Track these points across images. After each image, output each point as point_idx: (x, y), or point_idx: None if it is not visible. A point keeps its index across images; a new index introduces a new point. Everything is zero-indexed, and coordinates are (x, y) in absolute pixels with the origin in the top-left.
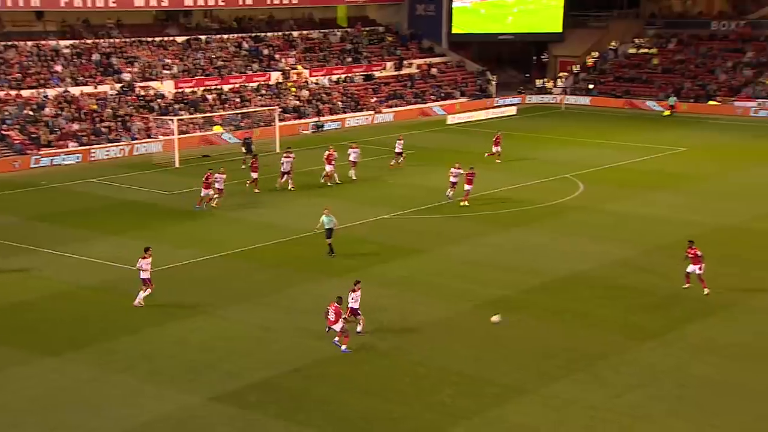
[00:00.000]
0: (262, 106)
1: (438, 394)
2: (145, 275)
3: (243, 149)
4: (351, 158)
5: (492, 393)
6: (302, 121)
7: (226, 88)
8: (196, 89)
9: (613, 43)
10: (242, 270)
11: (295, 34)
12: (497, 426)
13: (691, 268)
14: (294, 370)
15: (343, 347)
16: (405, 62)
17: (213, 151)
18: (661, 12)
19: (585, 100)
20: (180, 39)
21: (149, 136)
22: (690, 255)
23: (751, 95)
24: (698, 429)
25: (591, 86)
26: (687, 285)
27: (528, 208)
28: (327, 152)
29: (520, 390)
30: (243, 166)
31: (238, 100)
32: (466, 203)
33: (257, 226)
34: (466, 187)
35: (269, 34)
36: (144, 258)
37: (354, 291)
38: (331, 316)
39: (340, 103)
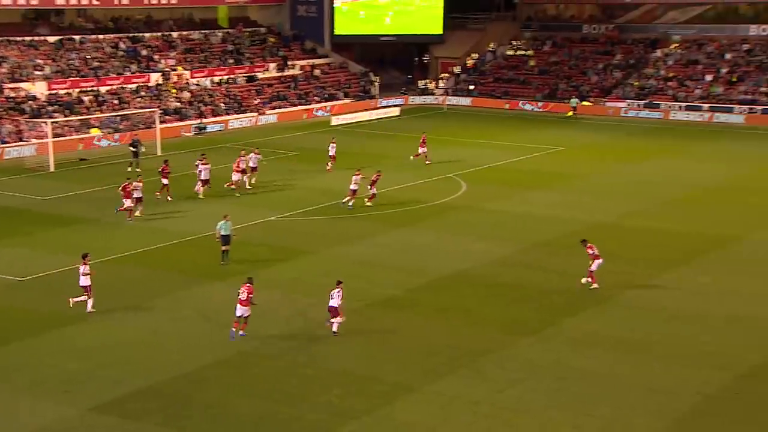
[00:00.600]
0: (141, 108)
1: (326, 394)
2: (85, 282)
3: (131, 150)
4: (251, 164)
5: (380, 391)
6: (184, 123)
7: (103, 89)
8: (70, 91)
9: (491, 45)
10: (126, 275)
11: (175, 34)
12: (385, 424)
13: (594, 266)
14: (179, 375)
15: (241, 332)
16: (288, 63)
17: (91, 155)
18: (536, 15)
19: (466, 101)
20: (52, 39)
21: (21, 140)
22: (590, 253)
23: (621, 96)
24: (575, 419)
25: (471, 87)
26: (594, 285)
27: (413, 208)
28: (238, 158)
29: (407, 388)
30: (129, 169)
31: (116, 101)
32: (370, 203)
33: (142, 230)
34: (372, 190)
35: (147, 34)
36: (84, 264)
37: (336, 289)
38: (243, 296)
39: (222, 104)
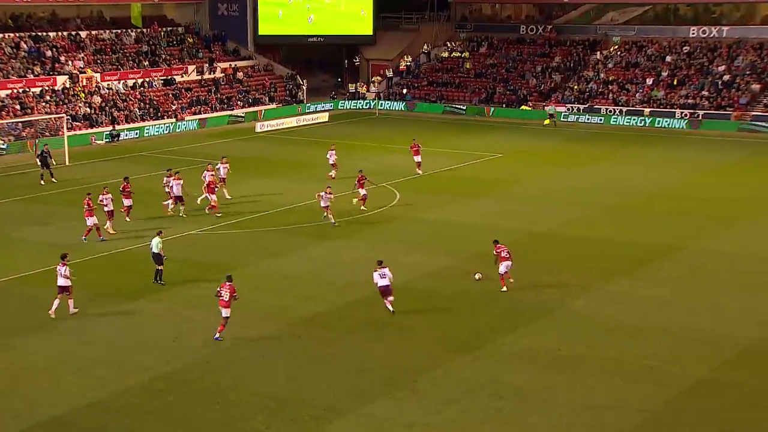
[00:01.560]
0: (47, 113)
1: (251, 420)
2: (63, 282)
3: (38, 162)
4: (221, 175)
5: (308, 415)
6: (95, 130)
7: (2, 93)
8: None
9: (425, 47)
10: (30, 296)
11: (83, 34)
12: None
13: (502, 268)
14: (90, 404)
15: (217, 335)
16: (212, 65)
17: None
18: (471, 15)
19: (400, 105)
20: None
21: None
22: (497, 252)
23: (561, 100)
24: None
25: (405, 91)
26: (504, 288)
27: (346, 219)
28: (206, 172)
29: (337, 411)
30: (41, 182)
31: (17, 107)
32: (364, 207)
33: (41, 247)
34: (362, 191)
35: (52, 33)
36: (62, 265)
37: (380, 269)
38: (225, 296)
39: (137, 109)
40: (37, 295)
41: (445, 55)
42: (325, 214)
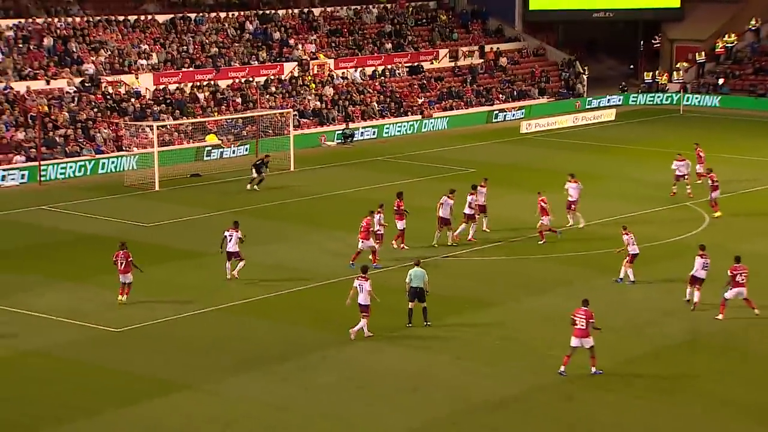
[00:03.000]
0: (271, 108)
1: None
2: (364, 300)
3: (253, 171)
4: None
5: None
6: (324, 128)
7: (222, 83)
8: (182, 85)
9: (753, 22)
10: (243, 328)
11: (317, 11)
12: None
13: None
14: None
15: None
16: (463, 50)
17: (206, 170)
18: None
19: (713, 101)
20: (161, 18)
21: (119, 148)
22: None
23: None
24: None
25: (721, 81)
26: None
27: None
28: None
29: None
30: (248, 187)
31: (239, 100)
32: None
33: (266, 268)
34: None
35: (281, 11)
36: (365, 279)
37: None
38: (581, 323)
39: (376, 104)
40: (259, 329)
41: None
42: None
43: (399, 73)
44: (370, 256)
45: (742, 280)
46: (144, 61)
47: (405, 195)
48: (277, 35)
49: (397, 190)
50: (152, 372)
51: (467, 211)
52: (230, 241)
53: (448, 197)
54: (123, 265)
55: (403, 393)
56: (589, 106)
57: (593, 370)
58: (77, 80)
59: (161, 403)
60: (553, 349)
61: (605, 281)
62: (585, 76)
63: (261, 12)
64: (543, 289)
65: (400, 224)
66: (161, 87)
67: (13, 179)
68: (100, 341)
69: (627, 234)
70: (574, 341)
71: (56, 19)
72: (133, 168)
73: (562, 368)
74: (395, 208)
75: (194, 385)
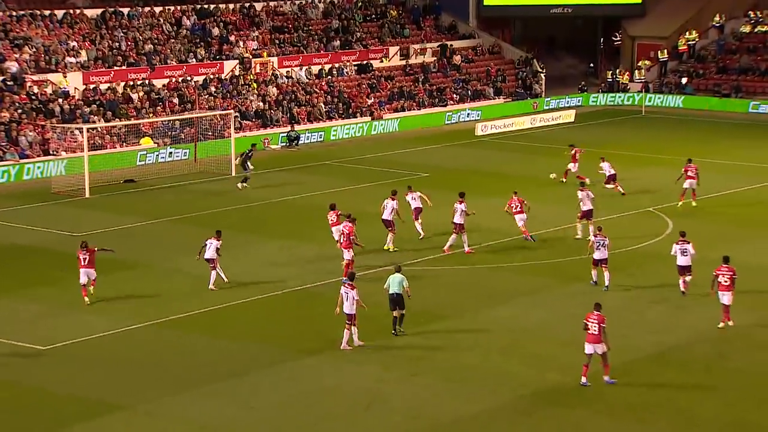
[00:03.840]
0: (210, 109)
1: None
2: (349, 309)
3: (238, 162)
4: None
5: None
6: (268, 131)
7: (158, 83)
8: (114, 84)
9: (717, 18)
10: (186, 344)
11: (259, 6)
12: None
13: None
14: None
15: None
16: (415, 48)
17: (140, 175)
18: None
19: (676, 101)
20: (91, 12)
21: (46, 152)
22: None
23: None
24: None
25: (684, 81)
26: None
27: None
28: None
29: None
30: (240, 186)
31: (176, 100)
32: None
33: (199, 279)
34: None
35: (221, 5)
36: (351, 288)
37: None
38: (594, 329)
39: (322, 105)
40: (199, 345)
41: (747, 29)
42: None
43: (347, 72)
44: (342, 263)
45: (726, 281)
46: (72, 59)
47: (354, 200)
48: (216, 31)
49: (332, 198)
50: (82, 392)
51: (457, 220)
52: (209, 248)
53: (392, 198)
54: (87, 261)
55: (354, 411)
56: (547, 107)
57: (606, 378)
58: None
59: (91, 427)
60: (510, 362)
61: (573, 289)
62: (543, 75)
63: (199, 6)
64: (505, 299)
65: (347, 255)
66: (91, 86)
67: None
68: (24, 359)
69: (597, 236)
70: (588, 348)
71: None
72: (62, 173)
73: (584, 379)
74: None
75: (128, 406)
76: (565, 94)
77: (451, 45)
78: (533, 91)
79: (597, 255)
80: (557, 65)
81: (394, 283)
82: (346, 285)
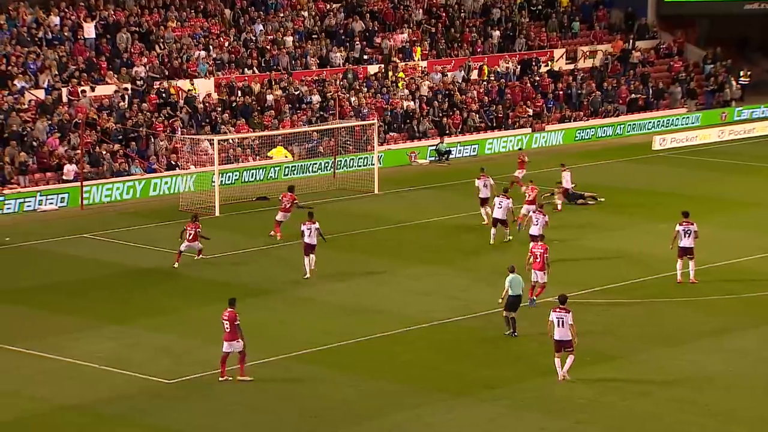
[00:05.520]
0: (353, 109)
1: None
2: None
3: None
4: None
5: None
6: (415, 143)
7: (294, 88)
8: (251, 85)
9: None
10: (318, 384)
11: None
12: None
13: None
14: None
15: None
16: (582, 50)
17: (273, 192)
18: None
19: None
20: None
21: (172, 165)
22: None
23: None
24: None
25: None
26: None
27: None
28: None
29: None
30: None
31: (315, 103)
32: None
33: (345, 311)
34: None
35: None
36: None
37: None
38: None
39: (476, 114)
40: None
41: None
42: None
43: (507, 75)
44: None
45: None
46: (204, 60)
47: None
48: (359, 26)
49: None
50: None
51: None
52: (309, 234)
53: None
54: (191, 236)
55: None
56: (739, 118)
57: None
58: (125, 85)
59: None
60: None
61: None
62: (735, 81)
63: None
64: (681, 339)
65: (281, 216)
66: (223, 90)
67: (51, 203)
68: (150, 394)
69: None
70: None
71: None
72: (190, 189)
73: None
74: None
75: None
76: (761, 103)
77: (631, 45)
78: (723, 99)
79: (683, 244)
80: (753, 69)
81: (515, 284)
82: (558, 309)
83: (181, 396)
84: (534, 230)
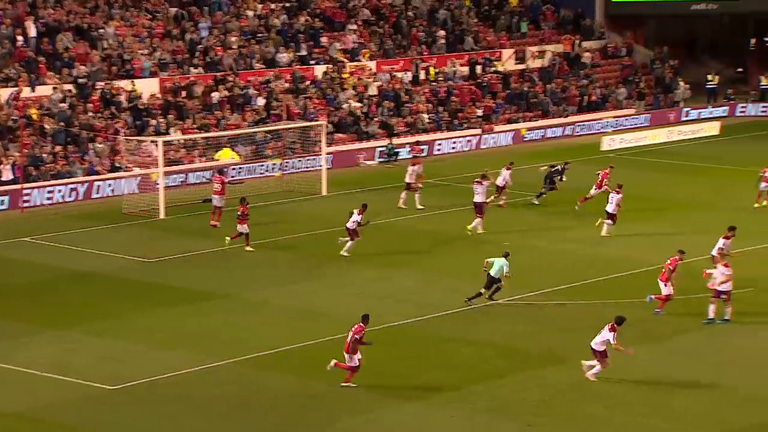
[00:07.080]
0: (300, 117)
1: None
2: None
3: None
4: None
5: None
6: (363, 144)
7: (239, 89)
8: (194, 87)
9: None
10: (272, 385)
11: None
12: None
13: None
14: None
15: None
16: (531, 50)
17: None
18: None
19: None
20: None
21: (114, 167)
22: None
23: None
24: None
25: None
26: None
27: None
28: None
29: None
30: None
31: (260, 104)
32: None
33: (285, 311)
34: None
35: None
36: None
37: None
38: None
39: (425, 115)
40: (282, 386)
41: None
42: None
43: (455, 76)
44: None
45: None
46: (145, 57)
47: (459, 223)
48: (303, 26)
49: (432, 222)
50: None
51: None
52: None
53: (617, 191)
54: (220, 188)
55: None
56: (686, 118)
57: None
58: (66, 86)
59: None
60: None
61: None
62: (682, 83)
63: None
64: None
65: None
66: (166, 91)
67: None
68: (92, 401)
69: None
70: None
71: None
72: (134, 191)
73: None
74: (239, 213)
75: None
76: (707, 103)
77: (578, 45)
78: (670, 100)
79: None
80: (698, 70)
81: (497, 267)
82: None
83: (124, 402)
84: (609, 207)
